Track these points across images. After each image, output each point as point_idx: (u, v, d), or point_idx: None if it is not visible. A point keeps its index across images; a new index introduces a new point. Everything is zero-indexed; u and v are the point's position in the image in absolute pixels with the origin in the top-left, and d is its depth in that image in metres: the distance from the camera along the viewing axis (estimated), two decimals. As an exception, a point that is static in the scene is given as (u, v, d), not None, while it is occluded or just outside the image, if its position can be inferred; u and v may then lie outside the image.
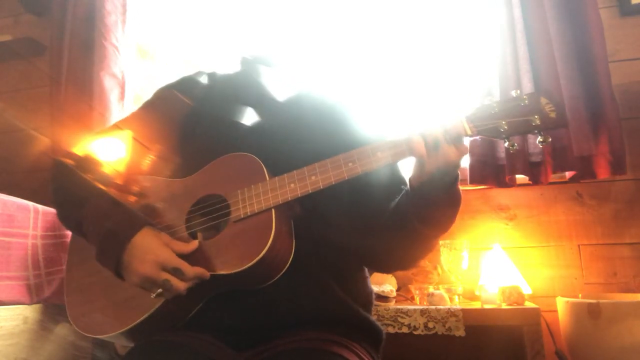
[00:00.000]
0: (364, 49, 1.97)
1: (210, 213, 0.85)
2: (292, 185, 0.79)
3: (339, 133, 0.93)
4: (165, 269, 0.76)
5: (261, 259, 0.74)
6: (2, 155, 2.18)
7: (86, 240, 0.88)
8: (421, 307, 1.37)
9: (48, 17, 2.22)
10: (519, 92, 0.73)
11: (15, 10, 2.34)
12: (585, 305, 1.31)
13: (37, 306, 1.27)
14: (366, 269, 0.99)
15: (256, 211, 0.79)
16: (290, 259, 0.80)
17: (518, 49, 1.66)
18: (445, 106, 0.76)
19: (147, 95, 1.07)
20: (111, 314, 0.83)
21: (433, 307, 1.36)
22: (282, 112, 0.98)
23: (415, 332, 1.35)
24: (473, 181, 1.67)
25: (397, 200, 0.89)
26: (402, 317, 1.36)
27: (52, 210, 1.37)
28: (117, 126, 0.99)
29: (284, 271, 0.80)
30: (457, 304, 1.43)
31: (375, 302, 1.41)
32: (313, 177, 0.79)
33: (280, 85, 1.01)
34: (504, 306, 1.37)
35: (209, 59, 2.20)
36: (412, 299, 1.54)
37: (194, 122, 0.98)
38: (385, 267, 1.08)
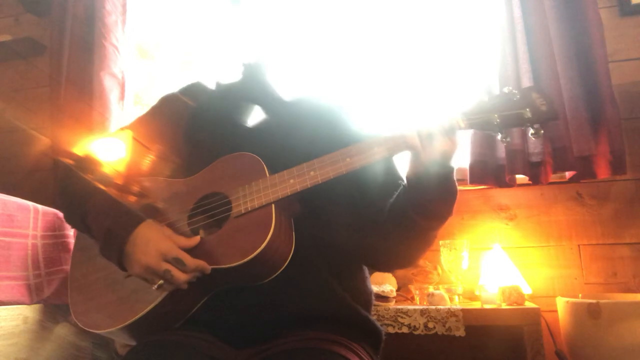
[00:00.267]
0: (364, 49, 1.97)
1: (211, 210, 0.86)
2: (291, 180, 0.81)
3: (338, 133, 0.94)
4: (166, 259, 0.77)
5: (261, 252, 0.75)
6: (2, 155, 2.18)
7: (90, 235, 0.89)
8: (421, 307, 1.37)
9: (48, 17, 2.22)
10: (510, 88, 0.76)
11: (15, 10, 2.34)
12: (585, 305, 1.31)
13: (37, 306, 1.27)
14: (366, 269, 0.99)
15: (256, 206, 0.80)
16: (290, 256, 0.81)
17: (518, 49, 1.66)
18: (440, 101, 0.77)
19: (147, 95, 1.08)
20: (113, 309, 0.84)
21: (433, 307, 1.36)
22: (281, 115, 0.99)
23: (415, 332, 1.35)
24: (473, 181, 1.67)
25: (395, 197, 0.89)
26: (402, 317, 1.36)
27: (52, 210, 1.37)
28: (125, 130, 1.01)
29: (283, 268, 0.80)
30: (457, 304, 1.42)
31: (375, 302, 1.41)
32: (312, 173, 0.80)
33: (280, 89, 1.03)
34: (504, 306, 1.37)
35: (208, 58, 2.20)
36: (412, 299, 1.54)
37: (198, 126, 1.00)
38: (386, 266, 1.08)
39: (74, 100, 1.98)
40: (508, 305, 1.37)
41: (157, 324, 0.83)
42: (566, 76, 1.61)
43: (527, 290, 1.51)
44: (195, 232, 0.85)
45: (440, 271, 1.64)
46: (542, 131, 0.72)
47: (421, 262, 1.64)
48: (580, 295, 1.51)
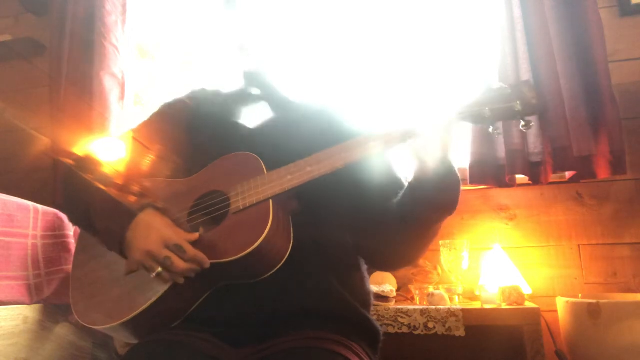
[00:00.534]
0: (364, 50, 1.97)
1: (211, 207, 0.87)
2: (288, 176, 0.82)
3: (337, 134, 0.94)
4: (167, 245, 0.78)
5: (259, 246, 0.76)
6: (2, 155, 2.18)
7: (93, 230, 0.90)
8: (421, 307, 1.37)
9: (48, 17, 2.22)
10: (502, 84, 0.77)
11: (15, 10, 2.34)
12: (585, 305, 1.31)
13: (37, 306, 1.27)
14: (364, 269, 1.00)
15: (254, 202, 0.81)
16: (288, 252, 0.82)
17: (518, 49, 1.66)
18: (434, 95, 0.79)
19: (147, 95, 1.10)
20: (114, 306, 0.84)
21: (433, 307, 1.36)
22: (281, 118, 1.01)
23: (415, 332, 1.35)
24: (473, 181, 1.67)
25: (399, 196, 0.90)
26: (402, 317, 1.36)
27: (52, 210, 1.37)
28: (129, 133, 1.04)
29: (282, 264, 0.81)
30: (457, 304, 1.43)
31: (375, 302, 1.41)
32: (308, 168, 0.81)
33: (280, 93, 1.04)
34: (504, 306, 1.37)
35: (208, 58, 2.20)
36: (412, 299, 1.54)
37: (198, 131, 1.01)
38: (389, 264, 1.08)
39: (74, 100, 1.98)
40: (508, 305, 1.37)
41: (156, 321, 0.84)
42: (566, 76, 1.61)
43: (527, 290, 1.51)
44: (194, 230, 0.86)
45: (440, 271, 1.64)
46: (533, 123, 0.75)
47: (421, 262, 1.64)
48: (580, 295, 1.51)
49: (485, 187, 1.72)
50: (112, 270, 0.88)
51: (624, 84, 1.66)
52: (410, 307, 1.38)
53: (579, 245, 1.65)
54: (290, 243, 0.83)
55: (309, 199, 0.87)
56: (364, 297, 0.95)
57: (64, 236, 1.36)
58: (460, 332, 1.32)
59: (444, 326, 1.33)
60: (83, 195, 0.92)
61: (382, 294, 1.43)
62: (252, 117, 1.02)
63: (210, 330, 0.84)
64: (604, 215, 1.64)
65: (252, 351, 0.82)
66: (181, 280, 0.79)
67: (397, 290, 1.54)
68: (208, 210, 0.87)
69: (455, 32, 1.86)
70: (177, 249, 0.77)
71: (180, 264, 0.77)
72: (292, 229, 0.85)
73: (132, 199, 0.87)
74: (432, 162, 0.77)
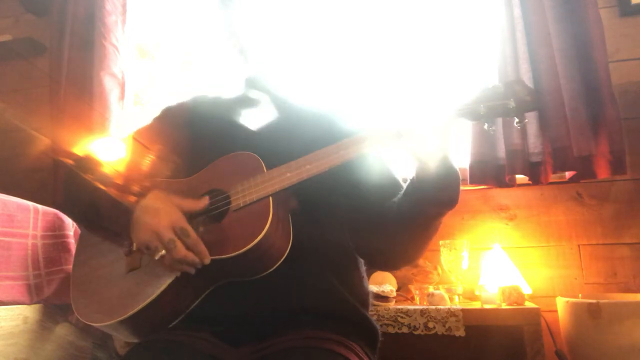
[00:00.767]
0: (364, 51, 1.97)
1: (211, 205, 0.88)
2: (288, 174, 0.83)
3: (337, 136, 0.94)
4: (174, 227, 0.79)
5: (259, 242, 0.77)
6: (2, 155, 2.18)
7: (97, 213, 0.91)
8: (421, 307, 1.38)
9: (48, 17, 2.22)
10: (496, 83, 0.79)
11: (15, 10, 2.34)
12: (585, 305, 1.31)
13: (37, 306, 1.27)
14: (363, 269, 1.00)
15: (254, 199, 0.82)
16: (288, 250, 0.82)
17: (518, 49, 1.66)
18: (430, 92, 0.80)
19: (147, 95, 1.10)
20: (115, 302, 0.85)
21: (433, 307, 1.36)
22: (282, 122, 1.02)
23: (415, 332, 1.35)
24: (473, 181, 1.67)
25: (399, 196, 0.90)
26: (402, 317, 1.36)
27: (52, 210, 1.37)
28: (131, 136, 1.06)
29: (281, 261, 0.81)
30: (457, 304, 1.43)
31: (375, 302, 1.42)
32: (307, 166, 0.82)
33: (281, 97, 1.06)
34: (504, 306, 1.37)
35: (208, 59, 2.20)
36: (412, 299, 1.54)
37: (199, 136, 1.02)
38: (387, 263, 1.08)
39: (74, 100, 1.98)
40: (508, 305, 1.37)
41: (156, 319, 0.84)
42: (566, 76, 1.61)
43: (527, 290, 1.51)
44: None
45: (440, 271, 1.64)
46: (527, 120, 0.78)
47: (421, 262, 1.64)
48: (580, 295, 1.51)
49: (485, 187, 1.72)
50: (113, 268, 0.89)
51: (624, 84, 1.66)
52: (410, 307, 1.38)
53: (579, 245, 1.65)
54: (289, 241, 0.83)
55: (308, 199, 0.87)
56: (363, 296, 0.96)
57: (64, 236, 1.36)
58: (460, 332, 1.32)
59: (444, 326, 1.33)
60: (86, 188, 0.93)
61: (382, 294, 1.43)
62: (253, 120, 1.03)
63: (210, 329, 0.84)
64: (604, 215, 1.64)
65: (252, 350, 0.82)
66: (178, 273, 0.79)
67: (397, 290, 1.54)
68: (209, 208, 0.88)
69: (455, 32, 1.86)
70: (182, 233, 0.78)
71: (181, 249, 0.77)
72: (291, 227, 0.85)
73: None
74: (430, 158, 0.78)
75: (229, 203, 0.85)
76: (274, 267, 0.81)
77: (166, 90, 2.27)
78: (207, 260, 0.79)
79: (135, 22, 2.16)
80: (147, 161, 1.00)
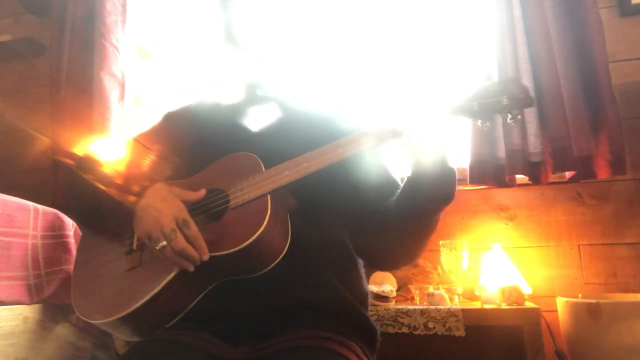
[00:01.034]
0: (364, 53, 1.97)
1: (211, 204, 0.89)
2: (286, 172, 0.84)
3: (336, 139, 0.95)
4: (176, 218, 0.80)
5: (257, 238, 0.78)
6: (2, 155, 2.18)
7: (100, 206, 0.92)
8: (421, 307, 1.38)
9: (48, 17, 2.22)
10: (490, 82, 0.81)
11: (15, 10, 2.34)
12: (585, 305, 1.31)
13: (37, 306, 1.27)
14: (362, 269, 1.01)
15: (252, 197, 0.84)
16: (286, 248, 0.83)
17: (518, 49, 1.66)
18: (426, 90, 0.82)
19: (147, 95, 1.11)
20: (114, 300, 0.85)
21: (433, 307, 1.36)
22: (282, 125, 1.03)
23: (415, 332, 1.35)
24: (473, 181, 1.67)
25: (397, 194, 0.90)
26: (402, 317, 1.36)
27: (52, 210, 1.37)
28: (135, 139, 1.07)
29: (279, 260, 0.82)
30: (457, 304, 1.43)
31: (375, 302, 1.42)
32: (305, 164, 0.83)
33: (281, 100, 1.07)
34: (504, 306, 1.37)
35: (208, 59, 2.20)
36: (412, 299, 1.54)
37: (199, 141, 1.03)
38: (385, 263, 1.08)
39: (74, 100, 1.98)
40: (508, 305, 1.37)
41: (156, 317, 0.84)
42: (566, 76, 1.61)
43: (527, 290, 1.51)
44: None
45: (440, 271, 1.64)
46: (519, 117, 0.79)
47: (421, 262, 1.64)
48: (580, 295, 1.51)
49: (485, 187, 1.72)
50: (113, 267, 0.89)
51: (624, 84, 1.66)
52: (410, 307, 1.38)
53: (579, 245, 1.65)
54: (287, 240, 0.84)
55: (307, 198, 0.88)
56: (362, 296, 0.96)
57: (64, 236, 1.36)
58: (460, 332, 1.32)
59: (444, 326, 1.33)
60: (87, 188, 0.93)
61: (382, 294, 1.43)
62: (253, 123, 1.04)
63: (209, 328, 0.85)
64: (604, 215, 1.64)
65: (251, 349, 0.82)
66: (177, 269, 0.80)
67: (397, 290, 1.54)
68: (208, 207, 0.89)
69: (455, 32, 1.86)
70: (184, 224, 0.79)
71: (182, 240, 0.78)
72: (289, 226, 0.86)
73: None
74: (426, 155, 0.79)
75: (228, 201, 0.86)
76: (272, 265, 0.82)
77: (166, 90, 2.27)
78: (206, 256, 0.79)
79: (135, 22, 2.16)
80: (148, 162, 1.00)
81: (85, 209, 0.98)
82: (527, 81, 1.63)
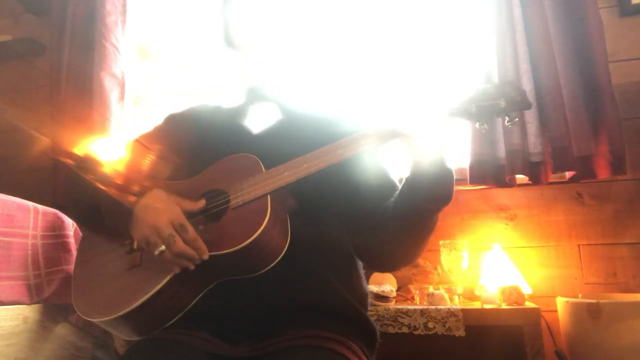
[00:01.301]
0: (364, 54, 1.97)
1: (211, 204, 0.90)
2: (286, 173, 0.84)
3: (334, 139, 0.96)
4: (173, 223, 0.80)
5: (257, 238, 0.78)
6: (2, 155, 2.18)
7: (98, 210, 0.92)
8: (421, 307, 1.37)
9: (48, 17, 2.22)
10: (488, 84, 0.81)
11: (15, 10, 2.34)
12: (585, 305, 1.31)
13: (37, 306, 1.27)
14: (361, 269, 1.01)
15: (253, 198, 0.84)
16: (286, 248, 0.84)
17: (518, 49, 1.66)
18: (426, 93, 0.83)
19: (147, 95, 1.12)
20: (114, 299, 0.85)
21: (433, 307, 1.36)
22: (282, 128, 1.04)
23: (415, 332, 1.35)
24: (473, 181, 1.67)
25: (395, 195, 0.90)
26: (402, 317, 1.36)
27: (52, 210, 1.37)
28: (137, 139, 1.08)
29: (279, 259, 0.83)
30: (457, 304, 1.43)
31: (375, 302, 1.42)
32: (305, 165, 0.84)
33: (281, 103, 1.08)
34: (504, 306, 1.37)
35: (208, 59, 2.20)
36: (412, 299, 1.54)
37: (201, 139, 1.04)
38: (385, 264, 1.08)
39: (74, 100, 1.98)
40: (508, 305, 1.37)
41: (156, 316, 0.85)
42: (566, 76, 1.61)
43: (527, 290, 1.51)
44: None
45: (440, 271, 1.64)
46: (517, 119, 0.80)
47: (421, 262, 1.64)
48: (580, 295, 1.51)
49: (485, 187, 1.72)
50: (114, 266, 0.90)
51: (624, 84, 1.66)
52: (410, 307, 1.38)
53: (578, 245, 1.65)
54: (287, 240, 0.85)
55: (306, 199, 0.89)
56: (361, 296, 0.96)
57: (64, 236, 1.36)
58: (460, 332, 1.32)
59: (444, 326, 1.33)
60: (87, 188, 0.94)
61: (382, 294, 1.43)
62: (254, 125, 1.05)
63: (209, 327, 0.85)
64: (604, 215, 1.64)
65: (251, 348, 0.82)
66: (177, 269, 0.80)
67: (397, 290, 1.54)
68: (209, 207, 0.89)
69: (455, 33, 1.86)
70: (181, 228, 0.80)
71: (180, 244, 0.79)
72: (289, 226, 0.87)
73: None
74: (425, 156, 0.79)
75: (228, 202, 0.87)
76: (272, 265, 0.82)
77: (166, 90, 2.27)
78: (206, 255, 0.80)
79: (135, 22, 2.16)
80: (148, 162, 1.01)
81: (86, 208, 0.99)
82: (526, 81, 1.63)
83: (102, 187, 0.91)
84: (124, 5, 2.10)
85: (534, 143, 1.62)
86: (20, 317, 1.22)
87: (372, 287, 1.43)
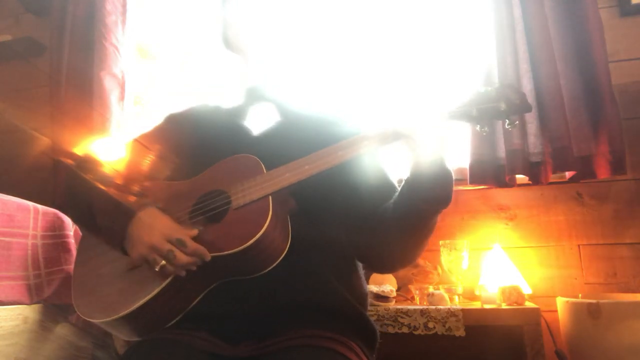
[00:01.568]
0: (364, 54, 1.97)
1: (212, 205, 0.90)
2: (287, 174, 0.84)
3: (337, 141, 0.96)
4: (169, 240, 0.80)
5: (259, 239, 0.78)
6: (2, 155, 2.18)
7: (94, 224, 0.92)
8: (421, 307, 1.38)
9: (48, 17, 2.22)
10: (488, 87, 0.82)
11: (15, 10, 2.34)
12: (585, 305, 1.31)
13: (37, 306, 1.27)
14: (361, 270, 1.01)
15: (254, 199, 0.84)
16: (286, 249, 0.84)
17: (518, 49, 1.66)
18: (426, 96, 0.84)
19: (147, 95, 1.12)
20: (114, 299, 0.85)
21: (433, 307, 1.36)
22: (282, 129, 1.04)
23: (415, 332, 1.35)
24: (473, 181, 1.67)
25: (395, 196, 0.90)
26: (402, 317, 1.36)
27: (52, 210, 1.37)
28: (136, 139, 1.08)
29: (279, 260, 0.83)
30: (457, 304, 1.43)
31: (375, 302, 1.42)
32: (306, 166, 0.84)
33: (281, 104, 1.08)
34: (504, 306, 1.37)
35: (208, 59, 2.20)
36: (412, 299, 1.54)
37: (201, 139, 1.04)
38: (384, 265, 1.08)
39: (74, 100, 1.98)
40: (508, 305, 1.37)
41: (156, 316, 0.85)
42: (566, 76, 1.61)
43: (527, 290, 1.51)
44: (196, 226, 0.88)
45: (440, 271, 1.64)
46: (517, 122, 0.82)
47: (421, 262, 1.64)
48: (580, 295, 1.51)
49: (485, 187, 1.72)
50: (114, 267, 0.90)
51: (624, 84, 1.66)
52: (410, 307, 1.38)
53: (578, 245, 1.65)
54: (288, 241, 0.85)
55: (307, 200, 0.89)
56: (361, 296, 0.96)
57: (64, 236, 1.36)
58: (460, 332, 1.32)
59: (444, 326, 1.33)
60: (85, 195, 0.94)
61: (382, 294, 1.43)
62: (254, 126, 1.05)
63: (209, 327, 0.85)
64: (604, 215, 1.64)
65: (251, 348, 0.82)
66: (183, 273, 0.81)
67: (397, 290, 1.54)
68: (210, 208, 0.89)
69: (455, 33, 1.86)
70: (179, 243, 0.80)
71: (182, 257, 0.79)
72: (290, 227, 0.87)
73: (132, 199, 0.88)
74: (425, 158, 0.80)
75: (230, 202, 0.87)
76: (273, 266, 0.82)
77: (166, 90, 2.27)
78: (207, 257, 0.80)
79: (135, 22, 2.15)
80: (148, 162, 1.01)
81: (85, 209, 0.98)
82: (526, 81, 1.63)
83: (102, 187, 0.91)
84: (124, 5, 2.10)
85: (534, 143, 1.62)
86: (20, 317, 1.22)
87: (372, 287, 1.43)
